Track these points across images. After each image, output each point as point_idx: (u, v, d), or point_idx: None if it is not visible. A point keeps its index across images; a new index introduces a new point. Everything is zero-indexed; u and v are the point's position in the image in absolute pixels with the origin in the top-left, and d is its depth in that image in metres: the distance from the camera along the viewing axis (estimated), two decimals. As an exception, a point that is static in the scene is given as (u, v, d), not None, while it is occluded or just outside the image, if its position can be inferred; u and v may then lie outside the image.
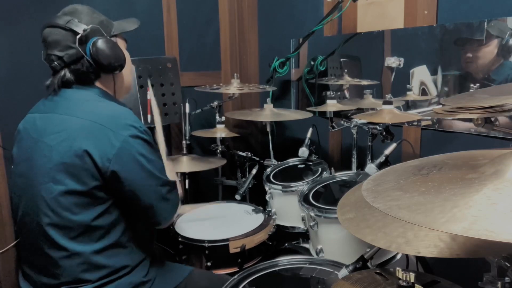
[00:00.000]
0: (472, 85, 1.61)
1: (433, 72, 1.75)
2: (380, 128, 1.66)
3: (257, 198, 2.08)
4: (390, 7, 1.88)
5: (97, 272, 1.17)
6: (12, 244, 1.93)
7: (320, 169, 1.85)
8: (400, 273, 0.83)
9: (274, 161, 2.09)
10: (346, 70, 2.20)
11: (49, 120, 1.20)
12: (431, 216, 0.60)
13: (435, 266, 1.49)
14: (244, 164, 2.28)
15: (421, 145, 1.86)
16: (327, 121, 2.00)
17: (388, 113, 1.57)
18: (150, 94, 1.46)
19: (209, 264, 1.59)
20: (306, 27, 2.15)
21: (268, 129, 2.15)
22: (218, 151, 2.29)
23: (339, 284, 0.95)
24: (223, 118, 2.24)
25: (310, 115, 2.05)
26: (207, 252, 1.58)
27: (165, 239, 1.74)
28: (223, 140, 2.32)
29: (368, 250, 1.10)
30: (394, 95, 1.91)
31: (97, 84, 1.27)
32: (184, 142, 2.18)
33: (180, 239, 1.63)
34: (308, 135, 1.97)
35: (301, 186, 1.71)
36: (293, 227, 1.77)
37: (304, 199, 1.60)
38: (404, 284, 0.83)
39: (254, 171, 1.95)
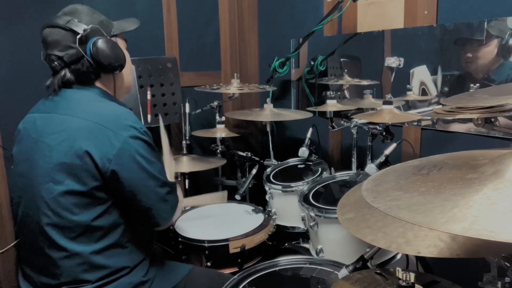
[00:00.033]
0: (472, 85, 1.61)
1: (433, 72, 1.75)
2: (380, 128, 1.66)
3: (257, 198, 2.08)
4: (390, 7, 1.88)
5: (97, 272, 1.17)
6: (12, 244, 1.93)
7: (320, 169, 1.85)
8: (400, 273, 0.83)
9: (274, 161, 2.09)
10: (346, 70, 2.20)
11: (49, 120, 1.20)
12: (431, 216, 0.60)
13: (435, 266, 1.49)
14: (244, 164, 2.28)
15: (421, 145, 1.86)
16: (327, 121, 2.00)
17: (388, 113, 1.57)
18: (161, 127, 1.52)
19: (209, 264, 1.59)
20: (306, 27, 2.15)
21: (268, 129, 2.15)
22: (218, 151, 2.29)
23: (339, 284, 0.95)
24: (223, 118, 2.24)
25: (310, 115, 2.05)
26: (207, 252, 1.58)
27: (165, 239, 1.74)
28: (223, 140, 2.32)
29: (368, 250, 1.10)
30: (394, 95, 1.91)
31: (97, 84, 1.27)
32: (184, 142, 2.18)
33: (180, 239, 1.64)
34: (308, 135, 1.97)
35: (301, 186, 1.71)
36: (293, 227, 1.77)
37: (304, 199, 1.60)
38: (404, 284, 0.83)
39: (254, 171, 1.95)
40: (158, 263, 1.34)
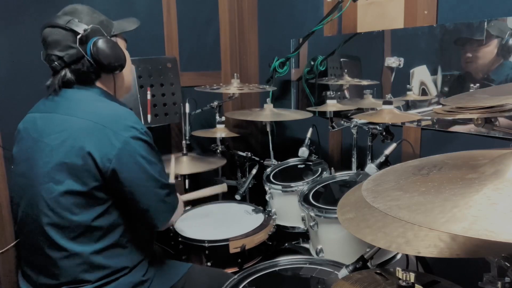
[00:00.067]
0: (472, 85, 1.60)
1: (433, 72, 1.75)
2: (380, 128, 1.66)
3: (257, 198, 2.08)
4: (390, 7, 1.88)
5: (97, 272, 1.17)
6: (12, 244, 1.93)
7: (320, 169, 1.85)
8: (400, 273, 0.83)
9: (274, 161, 2.09)
10: (346, 70, 2.20)
11: (49, 120, 1.20)
12: (431, 216, 0.60)
13: (435, 266, 1.49)
14: (244, 164, 2.28)
15: (421, 145, 1.86)
16: (327, 121, 2.00)
17: (388, 113, 1.57)
18: (172, 164, 1.59)
19: (209, 264, 1.59)
20: (306, 27, 2.15)
21: (268, 129, 2.15)
22: (218, 151, 2.29)
23: (339, 284, 0.96)
24: (223, 118, 2.24)
25: (310, 115, 2.05)
26: (207, 252, 1.58)
27: (165, 239, 1.74)
28: (223, 140, 2.32)
29: (368, 250, 1.10)
30: (394, 95, 1.91)
31: (98, 84, 1.27)
32: (184, 142, 2.18)
33: (180, 239, 1.64)
34: (308, 135, 1.97)
35: (301, 186, 1.71)
36: (293, 227, 1.77)
37: (304, 199, 1.60)
38: (404, 284, 0.83)
39: (254, 171, 1.95)
40: (157, 262, 1.34)
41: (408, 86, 1.84)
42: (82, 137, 1.13)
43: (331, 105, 1.95)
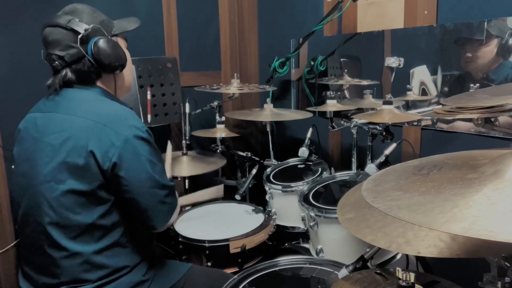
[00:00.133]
0: (472, 85, 1.61)
1: (433, 72, 1.75)
2: (380, 128, 1.66)
3: (257, 198, 2.08)
4: (390, 7, 1.88)
5: (97, 272, 1.17)
6: (12, 244, 1.93)
7: (320, 169, 1.85)
8: (400, 273, 0.83)
9: (274, 161, 2.09)
10: (346, 70, 2.20)
11: (50, 120, 1.20)
12: (431, 216, 0.60)
13: (435, 266, 1.49)
14: (244, 164, 2.28)
15: (421, 145, 1.86)
16: (327, 121, 2.00)
17: (388, 113, 1.57)
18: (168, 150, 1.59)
19: (209, 264, 1.59)
20: (306, 27, 2.15)
21: (268, 129, 2.15)
22: (218, 151, 2.29)
23: (339, 284, 0.96)
24: (223, 118, 2.24)
25: (310, 115, 2.05)
26: (207, 252, 1.58)
27: (165, 239, 1.74)
28: (223, 140, 2.31)
29: (368, 250, 1.10)
30: (394, 95, 1.91)
31: (98, 83, 1.27)
32: (184, 142, 2.18)
33: (180, 239, 1.64)
34: (308, 135, 1.97)
35: (301, 186, 1.71)
36: (293, 227, 1.77)
37: (304, 199, 1.60)
38: (404, 284, 0.83)
39: (254, 171, 1.95)
40: (157, 262, 1.34)
41: (408, 86, 1.84)
42: (83, 136, 1.13)
43: (331, 105, 1.95)
